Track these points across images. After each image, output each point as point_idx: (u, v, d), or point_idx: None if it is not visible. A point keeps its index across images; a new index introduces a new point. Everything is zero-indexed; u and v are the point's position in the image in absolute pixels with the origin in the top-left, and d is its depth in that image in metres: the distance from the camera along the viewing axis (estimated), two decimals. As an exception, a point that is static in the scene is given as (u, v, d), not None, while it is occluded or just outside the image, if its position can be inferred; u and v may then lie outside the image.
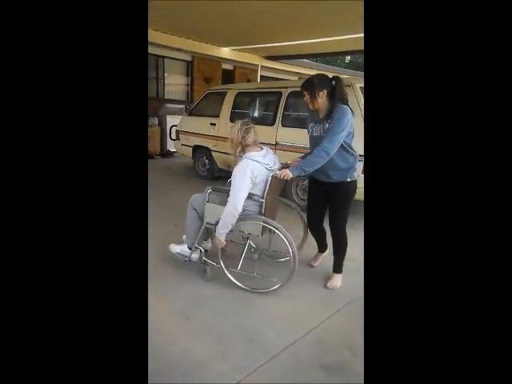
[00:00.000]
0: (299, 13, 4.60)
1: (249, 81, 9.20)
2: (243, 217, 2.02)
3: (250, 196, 2.01)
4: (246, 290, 2.10)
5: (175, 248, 2.32)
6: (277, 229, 1.99)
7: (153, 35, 6.75)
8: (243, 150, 2.02)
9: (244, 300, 2.04)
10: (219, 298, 2.03)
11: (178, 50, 7.75)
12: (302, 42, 6.26)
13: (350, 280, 2.27)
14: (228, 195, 1.98)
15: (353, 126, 1.99)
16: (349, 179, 2.06)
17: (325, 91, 1.98)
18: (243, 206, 1.96)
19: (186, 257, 2.25)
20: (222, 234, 2.03)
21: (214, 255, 2.24)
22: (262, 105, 5.07)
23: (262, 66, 8.81)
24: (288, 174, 1.91)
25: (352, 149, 2.03)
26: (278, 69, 9.53)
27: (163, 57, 8.17)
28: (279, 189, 2.28)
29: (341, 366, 1.58)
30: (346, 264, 2.56)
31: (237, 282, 2.12)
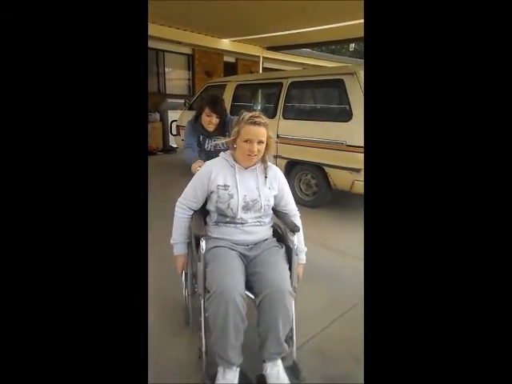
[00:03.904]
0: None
1: (251, 73, 9.01)
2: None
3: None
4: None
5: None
6: None
7: (151, 28, 6.60)
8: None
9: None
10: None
11: (178, 43, 7.59)
12: (304, 30, 6.04)
13: (355, 280, 2.13)
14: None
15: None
16: None
17: None
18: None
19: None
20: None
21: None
22: (264, 97, 4.93)
23: (264, 58, 8.60)
24: None
25: None
26: (281, 60, 9.32)
27: (163, 51, 8.03)
28: None
29: (345, 379, 1.45)
30: (351, 263, 2.43)
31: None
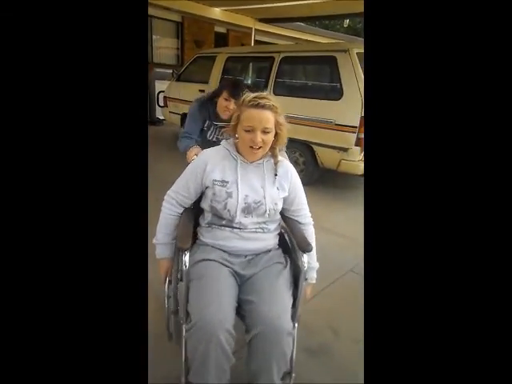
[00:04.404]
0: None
1: (243, 45, 8.76)
2: None
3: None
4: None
5: None
6: None
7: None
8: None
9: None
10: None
11: (167, 9, 7.26)
12: (298, 2, 5.86)
13: (336, 258, 2.19)
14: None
15: None
16: None
17: None
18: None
19: None
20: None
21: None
22: (255, 71, 4.83)
23: (256, 30, 8.34)
24: None
25: None
26: (273, 33, 9.07)
27: (151, 16, 7.68)
28: None
29: (323, 349, 1.53)
30: (335, 240, 2.48)
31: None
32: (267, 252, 1.25)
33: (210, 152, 1.27)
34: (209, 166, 1.20)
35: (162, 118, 6.43)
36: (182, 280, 1.13)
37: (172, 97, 5.18)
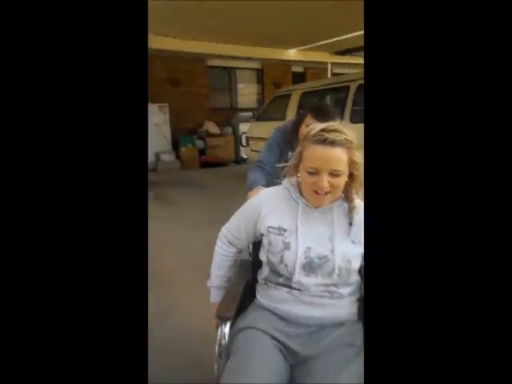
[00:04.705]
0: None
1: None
2: None
3: None
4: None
5: None
6: None
7: (222, 48, 7.00)
8: None
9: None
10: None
11: (248, 59, 7.90)
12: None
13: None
14: None
15: None
16: None
17: None
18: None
19: None
20: None
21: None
22: (332, 102, 4.83)
23: (333, 63, 8.45)
24: None
25: None
26: (350, 63, 9.05)
27: (234, 68, 8.44)
28: None
29: None
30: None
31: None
32: (339, 325, 0.93)
33: (267, 192, 1.08)
34: (264, 209, 1.00)
35: (245, 156, 6.81)
36: (221, 357, 0.92)
37: (252, 136, 5.47)
